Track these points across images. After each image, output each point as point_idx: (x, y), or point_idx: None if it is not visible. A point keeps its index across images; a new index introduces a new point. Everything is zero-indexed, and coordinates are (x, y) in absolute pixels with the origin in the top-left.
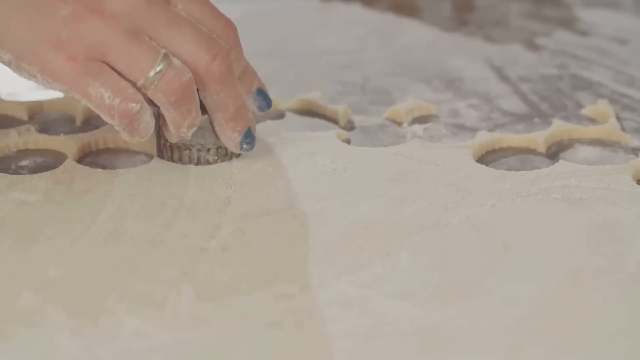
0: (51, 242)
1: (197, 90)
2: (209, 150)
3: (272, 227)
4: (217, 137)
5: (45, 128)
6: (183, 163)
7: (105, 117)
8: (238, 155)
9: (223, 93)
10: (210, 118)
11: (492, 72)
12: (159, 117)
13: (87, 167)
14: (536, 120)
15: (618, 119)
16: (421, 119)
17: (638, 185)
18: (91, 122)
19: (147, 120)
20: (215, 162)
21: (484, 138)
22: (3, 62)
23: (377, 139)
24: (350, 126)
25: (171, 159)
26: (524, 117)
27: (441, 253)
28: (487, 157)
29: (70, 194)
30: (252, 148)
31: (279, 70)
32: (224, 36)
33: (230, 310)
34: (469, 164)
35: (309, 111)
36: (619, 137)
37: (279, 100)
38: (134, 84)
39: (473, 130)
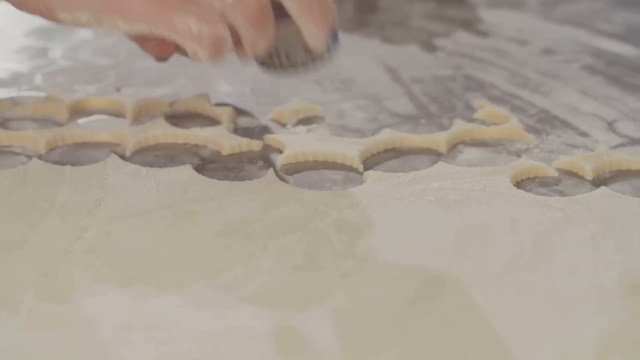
0: None
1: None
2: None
3: (140, 229)
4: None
5: None
6: (281, 67)
7: (190, 47)
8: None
9: None
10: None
11: (385, 74)
12: None
13: None
14: (422, 121)
15: None
16: (306, 120)
17: (514, 188)
18: None
19: (230, 42)
20: (305, 62)
21: (372, 140)
22: (81, 25)
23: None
24: (234, 127)
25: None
26: (411, 118)
27: (304, 256)
28: (370, 160)
29: None
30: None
31: (167, 71)
32: None
33: (84, 312)
34: None
35: (194, 113)
36: (521, 136)
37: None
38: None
39: (357, 131)
